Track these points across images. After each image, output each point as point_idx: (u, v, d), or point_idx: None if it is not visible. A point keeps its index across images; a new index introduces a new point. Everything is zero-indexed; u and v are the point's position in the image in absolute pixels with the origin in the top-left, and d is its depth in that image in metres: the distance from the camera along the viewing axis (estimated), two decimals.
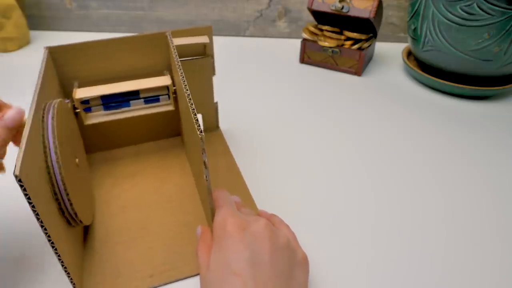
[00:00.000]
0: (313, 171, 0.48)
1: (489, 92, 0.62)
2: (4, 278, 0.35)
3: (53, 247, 0.28)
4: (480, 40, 0.56)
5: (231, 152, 0.50)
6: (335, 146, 0.52)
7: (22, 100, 0.61)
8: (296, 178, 0.47)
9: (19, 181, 0.24)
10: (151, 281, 0.35)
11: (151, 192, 0.44)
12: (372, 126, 0.56)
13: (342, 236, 0.39)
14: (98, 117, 0.43)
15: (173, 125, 0.52)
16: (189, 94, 0.33)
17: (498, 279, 0.35)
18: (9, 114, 0.31)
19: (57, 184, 0.31)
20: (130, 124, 0.49)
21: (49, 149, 0.30)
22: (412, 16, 0.64)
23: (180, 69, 0.37)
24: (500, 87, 0.61)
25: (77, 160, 0.38)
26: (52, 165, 0.30)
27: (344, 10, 0.66)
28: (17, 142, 0.33)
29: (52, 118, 0.32)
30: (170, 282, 0.35)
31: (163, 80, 0.44)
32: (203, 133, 0.29)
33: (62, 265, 0.30)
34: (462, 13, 0.56)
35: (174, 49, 0.40)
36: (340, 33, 0.71)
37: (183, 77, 0.36)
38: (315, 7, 0.68)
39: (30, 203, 0.25)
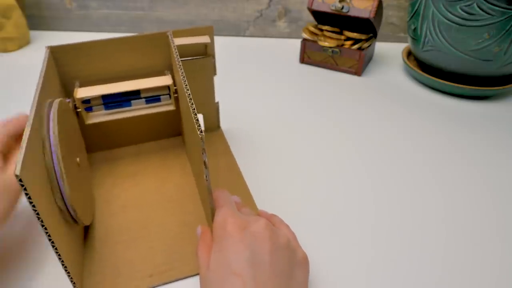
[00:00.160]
0: (313, 171, 0.48)
1: (489, 92, 0.62)
2: (4, 277, 0.35)
3: (53, 246, 0.28)
4: (480, 40, 0.56)
5: (232, 152, 0.50)
6: (335, 146, 0.52)
7: (22, 100, 0.61)
8: (296, 178, 0.47)
9: (20, 180, 0.24)
10: (150, 280, 0.35)
11: (152, 191, 0.44)
12: (372, 126, 0.56)
13: (342, 236, 0.39)
14: (99, 116, 0.44)
15: (174, 125, 0.52)
16: (189, 94, 0.33)
17: (498, 279, 0.35)
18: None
19: (58, 183, 0.31)
20: (131, 124, 0.49)
21: (50, 149, 0.30)
22: (412, 16, 0.64)
23: (181, 69, 0.37)
24: (500, 87, 0.61)
25: (78, 159, 0.38)
26: (53, 165, 0.30)
27: (344, 10, 0.66)
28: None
29: (53, 117, 0.32)
30: (170, 282, 0.35)
31: (164, 80, 0.44)
32: (203, 133, 0.29)
33: (63, 265, 0.30)
34: (462, 13, 0.56)
35: (175, 49, 0.40)
36: (340, 33, 0.71)
37: (183, 77, 0.36)
38: (315, 7, 0.68)
39: (30, 202, 0.25)
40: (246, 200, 0.43)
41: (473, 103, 0.62)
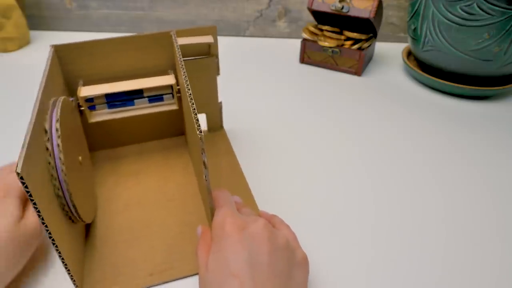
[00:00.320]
0: (313, 171, 0.48)
1: (489, 92, 0.62)
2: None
3: (54, 244, 0.28)
4: (480, 40, 0.56)
5: (234, 151, 0.51)
6: (335, 146, 0.52)
7: (22, 100, 0.61)
8: (296, 178, 0.47)
9: (21, 178, 0.24)
10: (151, 279, 0.35)
11: (154, 190, 0.45)
12: (372, 126, 0.56)
13: (342, 236, 0.39)
14: (102, 115, 0.44)
15: (176, 124, 0.52)
16: (190, 94, 0.33)
17: (498, 279, 0.35)
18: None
19: (59, 181, 0.31)
20: (134, 123, 0.50)
21: (52, 147, 0.30)
22: (412, 16, 0.64)
23: (183, 69, 0.37)
24: (500, 87, 0.61)
25: (80, 158, 0.38)
26: (55, 163, 0.30)
27: (344, 10, 0.66)
28: None
29: (56, 115, 0.32)
30: (170, 281, 0.35)
31: (167, 79, 0.44)
32: (202, 133, 0.29)
33: (63, 262, 0.30)
34: (462, 13, 0.56)
35: (178, 48, 0.40)
36: (340, 33, 0.71)
37: (185, 76, 0.36)
38: (315, 7, 0.68)
39: (32, 200, 0.26)
40: (247, 200, 0.43)
41: (473, 103, 0.62)
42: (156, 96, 0.44)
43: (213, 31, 0.46)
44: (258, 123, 0.57)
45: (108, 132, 0.49)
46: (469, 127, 0.56)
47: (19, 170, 0.24)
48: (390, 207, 0.43)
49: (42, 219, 0.27)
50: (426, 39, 0.62)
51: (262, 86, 0.67)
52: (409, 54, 0.73)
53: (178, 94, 0.45)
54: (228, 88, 0.65)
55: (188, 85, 0.34)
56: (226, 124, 0.56)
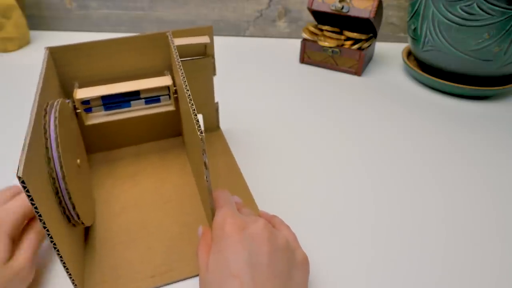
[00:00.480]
0: (313, 171, 0.48)
1: (489, 92, 0.62)
2: None
3: (55, 248, 0.28)
4: (480, 40, 0.56)
5: (232, 152, 0.50)
6: (335, 146, 0.52)
7: (22, 100, 0.61)
8: (296, 178, 0.47)
9: (22, 182, 0.24)
10: (152, 281, 0.35)
11: (152, 192, 0.44)
12: (372, 126, 0.56)
13: (342, 236, 0.39)
14: (99, 117, 0.43)
15: (173, 125, 0.52)
16: (189, 95, 0.33)
17: (498, 279, 0.35)
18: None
19: (59, 185, 0.31)
20: (131, 125, 0.49)
21: (52, 151, 0.30)
22: (412, 16, 0.64)
23: (181, 70, 0.37)
24: (500, 87, 0.61)
25: (78, 160, 0.38)
26: (55, 166, 0.30)
27: (344, 10, 0.66)
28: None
29: (55, 118, 0.32)
30: (172, 283, 0.35)
31: (164, 80, 0.44)
32: (203, 134, 0.29)
33: (64, 266, 0.30)
34: (462, 13, 0.56)
35: (175, 49, 0.40)
36: (340, 33, 0.71)
37: (184, 77, 0.36)
38: (315, 7, 0.68)
39: (33, 204, 0.25)
40: (247, 200, 0.43)
41: (473, 103, 0.62)
42: (152, 97, 0.44)
43: (209, 32, 0.46)
44: (258, 123, 0.57)
45: (105, 134, 0.49)
46: (469, 127, 0.56)
47: (20, 174, 0.24)
48: (390, 207, 0.43)
49: (44, 223, 0.27)
50: (426, 39, 0.62)
51: (262, 86, 0.67)
52: (409, 54, 0.73)
53: (175, 95, 0.44)
54: (228, 88, 0.65)
55: (186, 85, 0.34)
56: (226, 124, 0.56)
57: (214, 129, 0.55)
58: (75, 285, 0.32)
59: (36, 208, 0.26)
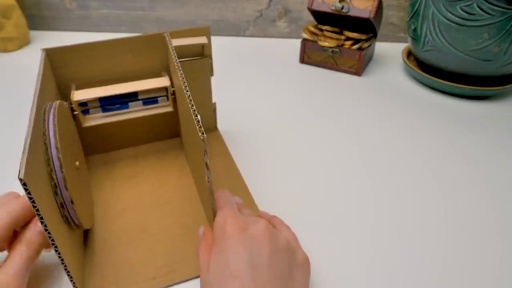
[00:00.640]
0: (313, 171, 0.48)
1: (489, 92, 0.62)
2: None
3: (56, 250, 0.28)
4: (480, 40, 0.56)
5: (230, 152, 0.50)
6: (335, 146, 0.52)
7: (22, 100, 0.61)
8: (296, 178, 0.47)
9: (24, 184, 0.24)
10: (153, 283, 0.35)
11: (151, 194, 0.44)
12: (372, 126, 0.56)
13: (342, 236, 0.39)
14: (96, 119, 0.43)
15: (171, 126, 0.52)
16: (189, 96, 0.33)
17: (498, 279, 0.35)
18: None
19: (60, 187, 0.30)
20: (129, 126, 0.49)
21: (51, 153, 0.30)
22: (412, 16, 0.64)
23: (180, 70, 0.37)
24: (500, 87, 0.61)
25: (77, 163, 0.38)
26: (54, 169, 0.30)
27: (344, 10, 0.66)
28: (49, 247, 0.33)
29: (53, 120, 0.32)
30: (174, 284, 0.35)
31: (162, 81, 0.44)
32: (205, 135, 0.29)
33: (65, 269, 0.30)
34: (462, 13, 0.56)
35: (173, 50, 0.40)
36: (340, 33, 0.71)
37: (183, 78, 0.36)
38: (315, 7, 0.68)
39: (34, 206, 0.25)
40: (247, 200, 0.43)
41: (473, 103, 0.62)
42: (150, 98, 0.44)
43: (207, 32, 0.46)
44: (258, 123, 0.57)
45: (103, 136, 0.49)
46: (469, 127, 0.56)
47: (21, 176, 0.24)
48: (390, 207, 0.43)
49: (45, 225, 0.26)
50: (426, 39, 0.62)
51: (262, 86, 0.67)
52: (409, 54, 0.73)
53: (172, 96, 0.44)
54: (228, 88, 0.65)
55: (186, 86, 0.34)
56: (224, 125, 0.56)
57: (212, 130, 0.55)
58: (76, 287, 0.32)
59: (38, 210, 0.26)
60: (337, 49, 0.69)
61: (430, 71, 0.65)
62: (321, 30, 0.72)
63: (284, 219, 0.37)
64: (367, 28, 0.69)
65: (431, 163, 0.49)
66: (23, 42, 0.81)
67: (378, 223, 0.41)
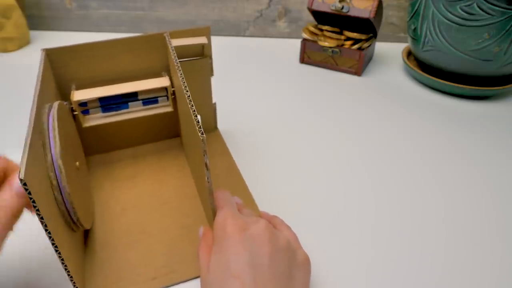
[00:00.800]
0: (313, 171, 0.48)
1: (489, 92, 0.62)
2: (4, 282, 0.35)
3: (56, 251, 0.28)
4: (480, 40, 0.56)
5: (230, 152, 0.50)
6: (335, 146, 0.52)
7: (22, 100, 0.61)
8: (296, 178, 0.47)
9: (24, 184, 0.24)
10: (153, 283, 0.35)
11: (151, 194, 0.44)
12: (372, 126, 0.56)
13: (342, 236, 0.39)
14: (96, 119, 0.43)
15: (171, 126, 0.52)
16: (189, 96, 0.33)
17: (498, 279, 0.35)
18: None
19: (60, 188, 0.30)
20: (129, 126, 0.49)
21: (51, 154, 0.30)
22: (412, 16, 0.64)
23: (180, 70, 0.37)
24: (500, 87, 0.61)
25: (77, 163, 0.38)
26: (55, 170, 0.30)
27: (344, 10, 0.66)
28: (31, 208, 0.30)
29: (53, 122, 0.32)
30: (174, 284, 0.35)
31: (162, 82, 0.44)
32: (204, 135, 0.29)
33: (66, 269, 0.30)
34: (462, 13, 0.56)
35: (173, 50, 0.40)
36: (340, 33, 0.71)
37: (182, 78, 0.36)
38: (315, 7, 0.68)
39: (35, 207, 0.25)
40: (247, 201, 0.43)
41: (473, 103, 0.62)
42: (150, 98, 0.44)
43: (207, 32, 0.46)
44: (258, 123, 0.57)
45: (103, 136, 0.49)
46: (469, 127, 0.56)
47: (22, 176, 0.24)
48: (390, 207, 0.43)
49: (45, 226, 0.26)
50: (426, 39, 0.62)
51: (262, 86, 0.67)
52: (409, 54, 0.73)
53: (172, 96, 0.44)
54: (228, 88, 0.65)
55: (186, 86, 0.34)
56: (224, 125, 0.56)
57: (212, 130, 0.55)
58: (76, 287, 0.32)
59: (38, 210, 0.26)
60: (337, 49, 0.69)
61: (430, 71, 0.65)
62: (321, 30, 0.72)
63: (284, 219, 0.37)
64: (367, 28, 0.69)
65: (431, 163, 0.49)
66: (23, 42, 0.81)
67: (378, 223, 0.41)
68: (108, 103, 0.43)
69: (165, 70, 0.46)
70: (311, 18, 0.80)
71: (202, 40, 0.45)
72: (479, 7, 0.54)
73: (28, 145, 0.27)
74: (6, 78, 0.69)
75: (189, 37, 0.45)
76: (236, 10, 0.84)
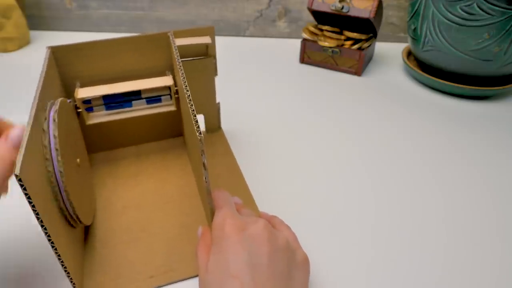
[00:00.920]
0: (313, 171, 0.48)
1: (489, 92, 0.62)
2: (3, 281, 0.35)
3: (53, 247, 0.28)
4: (480, 40, 0.56)
5: (233, 152, 0.50)
6: (335, 146, 0.52)
7: (22, 99, 0.61)
8: (296, 178, 0.47)
9: (19, 180, 0.24)
10: (151, 282, 0.35)
11: (152, 192, 0.44)
12: (372, 126, 0.56)
13: (342, 236, 0.39)
14: (100, 117, 0.43)
15: (174, 125, 0.52)
16: (189, 95, 0.33)
17: (498, 279, 0.35)
18: (15, 133, 0.29)
19: (58, 184, 0.31)
20: (132, 124, 0.49)
21: (50, 149, 0.30)
22: (412, 16, 0.64)
23: (181, 70, 0.37)
24: (500, 87, 0.61)
25: (78, 160, 0.38)
26: (53, 166, 0.30)
27: (344, 10, 0.66)
28: None
29: (54, 117, 0.32)
30: (171, 283, 0.35)
31: (165, 81, 0.44)
32: (202, 135, 0.29)
33: (62, 265, 0.30)
34: (462, 13, 0.56)
35: (175, 49, 0.40)
36: (340, 33, 0.71)
37: (184, 77, 0.36)
38: (315, 7, 0.68)
39: (30, 202, 0.25)
40: (247, 201, 0.43)
41: (473, 103, 0.62)
42: (154, 97, 0.44)
43: (211, 32, 0.46)
44: (258, 123, 0.57)
45: (106, 134, 0.49)
46: (469, 127, 0.56)
47: (17, 172, 0.24)
48: (390, 207, 0.43)
49: (41, 221, 0.26)
50: (426, 39, 0.62)
51: (262, 86, 0.67)
52: (409, 54, 0.73)
53: (176, 95, 0.44)
54: (228, 88, 0.65)
55: (186, 86, 0.34)
56: (226, 125, 0.56)
57: (216, 130, 0.55)
58: (74, 285, 0.32)
59: (33, 206, 0.26)
60: (337, 49, 0.69)
61: (430, 71, 0.65)
62: (321, 30, 0.72)
63: (284, 219, 0.37)
64: (367, 28, 0.69)
65: (431, 163, 0.49)
66: (23, 42, 0.81)
67: (378, 223, 0.41)
68: (112, 101, 0.43)
69: (169, 69, 0.46)
70: (311, 18, 0.80)
71: (206, 40, 0.45)
72: (479, 7, 0.54)
73: (26, 141, 0.27)
74: (6, 78, 0.69)
75: (193, 36, 0.45)
76: (236, 10, 0.84)
